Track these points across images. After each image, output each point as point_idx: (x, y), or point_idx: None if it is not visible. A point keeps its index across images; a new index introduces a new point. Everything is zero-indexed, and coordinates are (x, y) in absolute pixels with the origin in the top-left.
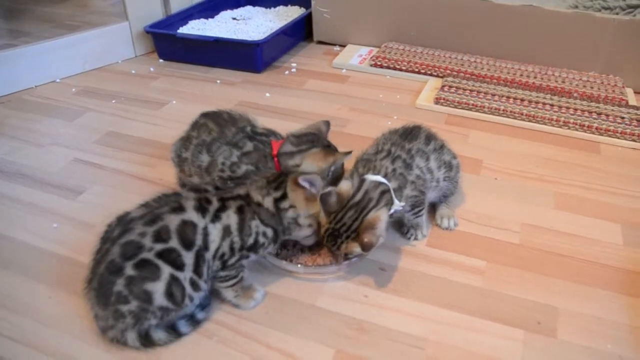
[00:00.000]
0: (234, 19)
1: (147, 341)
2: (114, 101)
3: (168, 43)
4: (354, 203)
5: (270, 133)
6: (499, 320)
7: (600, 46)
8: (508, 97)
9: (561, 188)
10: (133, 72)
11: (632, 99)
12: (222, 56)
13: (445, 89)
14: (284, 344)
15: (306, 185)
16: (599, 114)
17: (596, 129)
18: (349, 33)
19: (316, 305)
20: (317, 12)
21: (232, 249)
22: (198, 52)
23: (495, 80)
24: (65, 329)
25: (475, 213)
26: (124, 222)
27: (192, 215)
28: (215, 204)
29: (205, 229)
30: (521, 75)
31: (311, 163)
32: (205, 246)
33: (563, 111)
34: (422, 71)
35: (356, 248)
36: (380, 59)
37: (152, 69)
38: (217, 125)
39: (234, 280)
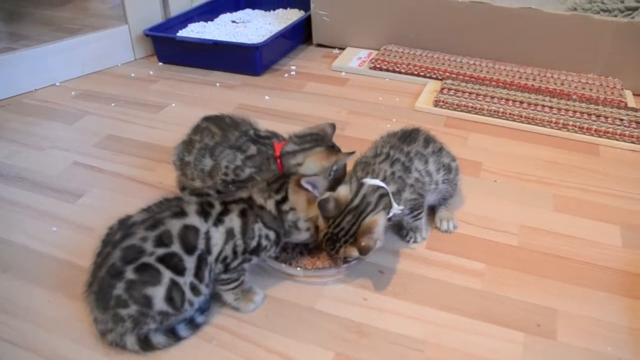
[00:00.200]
0: (234, 22)
1: (146, 345)
2: (113, 104)
3: (167, 46)
4: (352, 207)
5: (273, 135)
6: (498, 322)
7: (599, 48)
8: (507, 100)
9: (560, 190)
10: (132, 75)
11: (631, 101)
12: (222, 59)
13: (445, 91)
14: (284, 347)
15: (309, 187)
16: (598, 116)
17: (595, 131)
18: (348, 36)
19: (315, 308)
20: (317, 15)
21: (235, 252)
22: (197, 55)
23: (494, 83)
24: (65, 333)
25: (474, 215)
26: (125, 226)
27: (194, 219)
28: (217, 208)
29: (207, 233)
30: (520, 77)
31: (314, 162)
32: (207, 250)
33: (562, 113)
34: (421, 74)
35: (354, 252)
36: (379, 61)
37: (151, 72)
38: (219, 129)
39: (236, 283)
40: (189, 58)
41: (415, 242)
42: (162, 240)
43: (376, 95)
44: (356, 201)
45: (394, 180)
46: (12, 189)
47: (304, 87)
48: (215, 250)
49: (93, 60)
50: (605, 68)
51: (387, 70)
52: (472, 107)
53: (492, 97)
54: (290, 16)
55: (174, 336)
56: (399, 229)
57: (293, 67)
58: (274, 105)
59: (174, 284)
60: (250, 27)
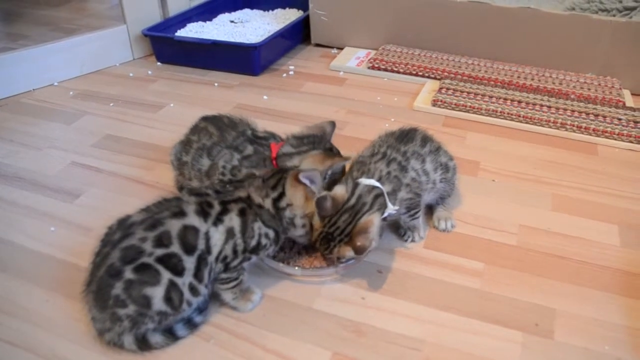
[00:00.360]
0: (232, 21)
1: (143, 344)
2: (111, 104)
3: (166, 46)
4: (348, 207)
5: (271, 136)
6: (496, 322)
7: (598, 48)
8: (505, 99)
9: (558, 189)
10: (131, 75)
11: (629, 101)
12: (220, 59)
13: (443, 91)
14: (281, 346)
15: (307, 182)
16: (596, 115)
17: (593, 130)
18: (346, 36)
19: (313, 308)
20: (315, 15)
21: (235, 251)
22: (196, 55)
23: (492, 82)
24: (62, 332)
25: (472, 215)
26: (124, 227)
27: (193, 219)
28: (217, 208)
29: (207, 233)
30: (518, 77)
31: (310, 165)
32: (207, 250)
33: (560, 113)
34: (420, 73)
35: (349, 252)
36: (377, 61)
37: (150, 72)
38: (217, 129)
39: (235, 283)
40: (188, 58)
41: (413, 241)
42: (162, 241)
43: (374, 95)
44: (352, 201)
45: (390, 180)
46: (10, 189)
47: (302, 87)
48: (215, 250)
49: (91, 60)
50: (604, 67)
51: (386, 70)
52: (470, 107)
53: (491, 97)
54: (288, 16)
55: (171, 336)
56: (397, 229)
57: (291, 67)
58: (272, 105)
59: (172, 285)
60: (249, 27)
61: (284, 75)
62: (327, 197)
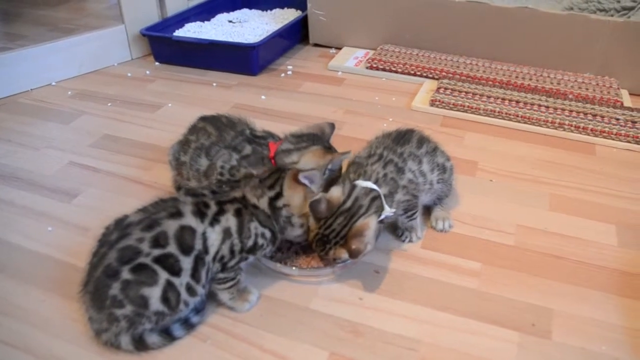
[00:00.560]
0: (230, 21)
1: (140, 345)
2: (109, 104)
3: (164, 46)
4: (344, 210)
5: (269, 135)
6: (493, 322)
7: (596, 48)
8: (503, 99)
9: (556, 189)
10: (129, 75)
11: (627, 101)
12: (218, 59)
13: (441, 91)
14: (278, 346)
15: (306, 182)
16: (594, 115)
17: (591, 130)
18: (344, 35)
19: (310, 308)
20: (313, 15)
21: (232, 251)
22: (194, 55)
23: (490, 82)
24: (59, 333)
25: (470, 215)
26: (121, 227)
27: (190, 220)
28: (213, 208)
29: (204, 233)
30: (516, 77)
31: (309, 160)
32: (205, 250)
33: (558, 113)
34: (418, 73)
35: (344, 254)
36: (376, 61)
37: (148, 72)
38: (216, 129)
39: (232, 282)
40: (186, 58)
41: (410, 241)
42: (159, 242)
43: (373, 95)
44: (348, 203)
45: (386, 182)
46: (7, 189)
47: (301, 87)
48: (212, 250)
49: (89, 60)
50: (602, 67)
51: (384, 69)
52: (468, 107)
53: (489, 97)
54: (287, 16)
55: (168, 336)
56: (395, 229)
57: (290, 67)
58: (271, 105)
59: (169, 285)
60: (247, 27)
61: (282, 75)
62: (322, 200)
